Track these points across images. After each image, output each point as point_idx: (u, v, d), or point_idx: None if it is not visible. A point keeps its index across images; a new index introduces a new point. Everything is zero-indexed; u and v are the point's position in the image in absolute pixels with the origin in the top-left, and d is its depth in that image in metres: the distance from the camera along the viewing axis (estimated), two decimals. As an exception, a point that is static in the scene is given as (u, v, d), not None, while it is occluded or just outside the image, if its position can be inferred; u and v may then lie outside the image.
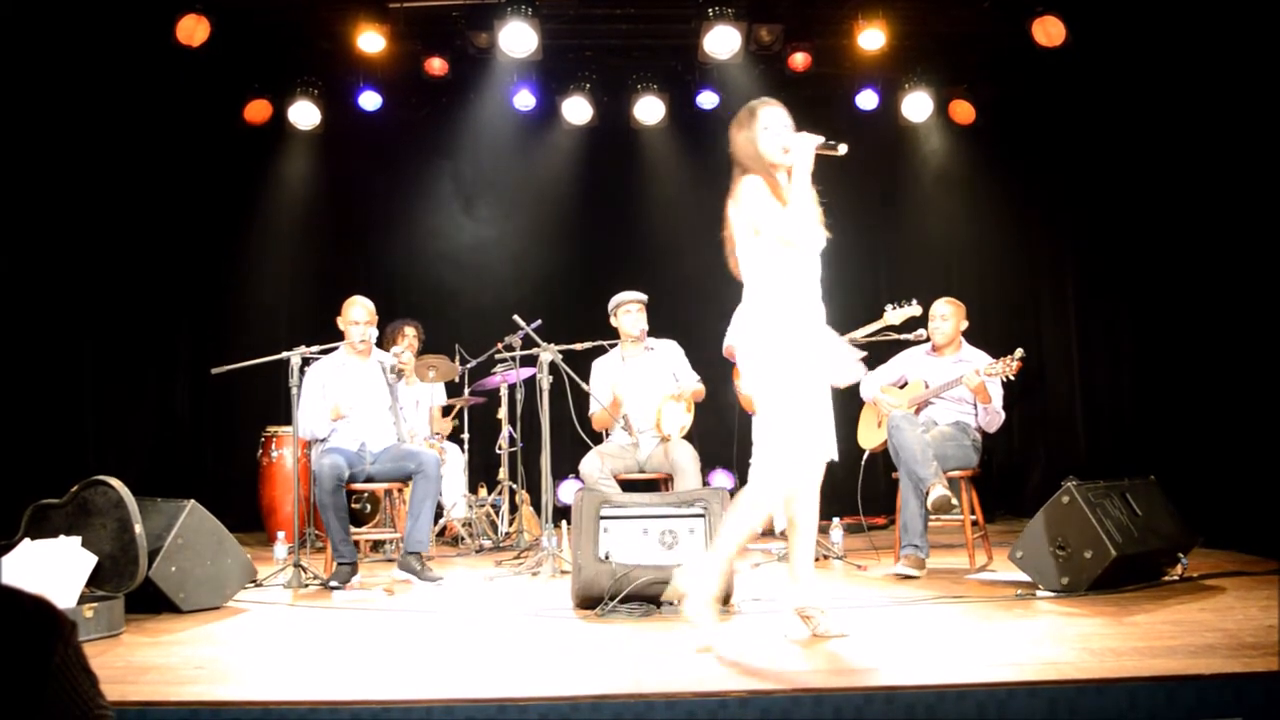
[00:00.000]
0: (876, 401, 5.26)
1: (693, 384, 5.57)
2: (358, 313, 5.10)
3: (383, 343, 5.47)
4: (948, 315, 5.14)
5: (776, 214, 3.22)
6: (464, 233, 7.68)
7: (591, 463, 5.29)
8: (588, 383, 5.40)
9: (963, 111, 7.31)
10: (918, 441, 4.66)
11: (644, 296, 5.60)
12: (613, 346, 5.69)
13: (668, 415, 5.39)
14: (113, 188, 6.51)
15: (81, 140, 6.20)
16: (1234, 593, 3.90)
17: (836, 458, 3.31)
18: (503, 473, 6.30)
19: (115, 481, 3.94)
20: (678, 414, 5.42)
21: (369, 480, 5.02)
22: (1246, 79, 4.94)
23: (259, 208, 7.37)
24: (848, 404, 6.01)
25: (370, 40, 6.51)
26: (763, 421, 3.28)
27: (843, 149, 3.31)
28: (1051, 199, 7.19)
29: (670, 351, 5.68)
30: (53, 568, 3.54)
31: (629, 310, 5.55)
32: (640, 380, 5.53)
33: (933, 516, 4.66)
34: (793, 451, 3.19)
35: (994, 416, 4.96)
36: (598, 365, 5.66)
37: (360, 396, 5.03)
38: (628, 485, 5.34)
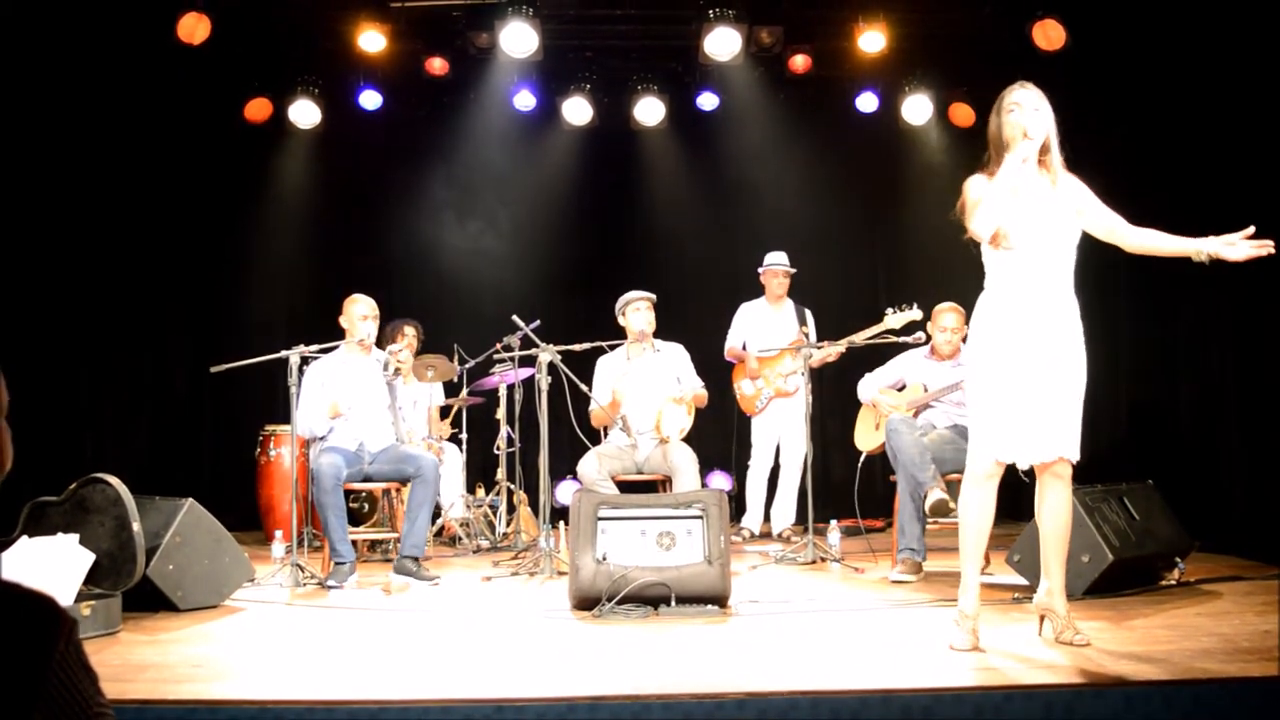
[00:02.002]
0: (875, 404, 5.26)
1: (696, 387, 5.57)
2: (363, 308, 5.10)
3: (381, 342, 5.46)
4: (958, 329, 5.06)
5: (972, 215, 3.13)
6: (463, 233, 7.66)
7: (589, 464, 5.28)
8: (586, 383, 5.40)
9: (962, 114, 7.29)
10: (916, 445, 4.66)
11: (653, 295, 5.61)
12: (613, 347, 5.68)
13: (668, 417, 5.39)
14: (114, 185, 6.49)
15: (83, 137, 6.19)
16: (1231, 598, 3.91)
17: (1020, 462, 3.14)
18: (500, 473, 6.29)
19: (113, 479, 3.94)
20: (678, 416, 5.41)
21: (367, 480, 5.02)
22: (1245, 80, 4.95)
23: (258, 206, 7.35)
24: (846, 405, 6.05)
25: (371, 39, 6.51)
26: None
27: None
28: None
29: (676, 355, 5.67)
30: (50, 565, 3.54)
31: (638, 308, 5.54)
32: (643, 381, 5.52)
33: (930, 520, 4.66)
34: (972, 447, 3.18)
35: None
36: (602, 363, 5.65)
37: (359, 395, 5.03)
38: (626, 486, 5.33)
